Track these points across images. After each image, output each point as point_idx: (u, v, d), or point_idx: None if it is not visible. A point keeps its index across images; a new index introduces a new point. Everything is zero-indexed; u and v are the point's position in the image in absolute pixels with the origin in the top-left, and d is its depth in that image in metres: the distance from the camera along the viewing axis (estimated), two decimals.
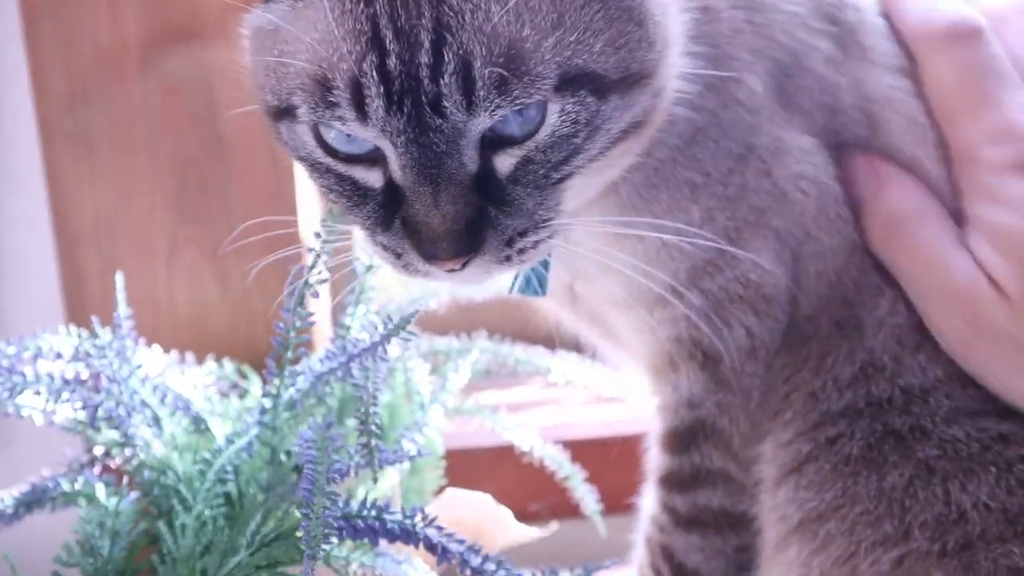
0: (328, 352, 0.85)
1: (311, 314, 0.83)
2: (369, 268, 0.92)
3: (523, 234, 0.65)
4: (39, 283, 1.14)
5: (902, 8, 0.75)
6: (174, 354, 0.98)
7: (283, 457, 0.85)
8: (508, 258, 0.65)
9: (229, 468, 0.82)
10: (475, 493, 1.00)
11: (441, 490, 1.07)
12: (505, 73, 0.58)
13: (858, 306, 0.76)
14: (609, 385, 1.09)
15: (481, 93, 0.59)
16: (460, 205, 0.62)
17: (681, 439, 0.80)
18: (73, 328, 0.89)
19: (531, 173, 0.63)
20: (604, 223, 0.72)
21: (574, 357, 1.12)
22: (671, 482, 0.82)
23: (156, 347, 0.96)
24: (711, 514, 0.81)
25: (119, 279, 0.90)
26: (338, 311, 1.00)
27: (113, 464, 0.91)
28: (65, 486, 0.87)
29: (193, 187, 1.10)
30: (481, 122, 0.61)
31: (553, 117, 0.62)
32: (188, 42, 1.06)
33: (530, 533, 1.02)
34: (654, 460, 0.84)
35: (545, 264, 0.76)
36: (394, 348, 0.97)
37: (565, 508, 1.10)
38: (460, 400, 1.11)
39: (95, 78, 1.06)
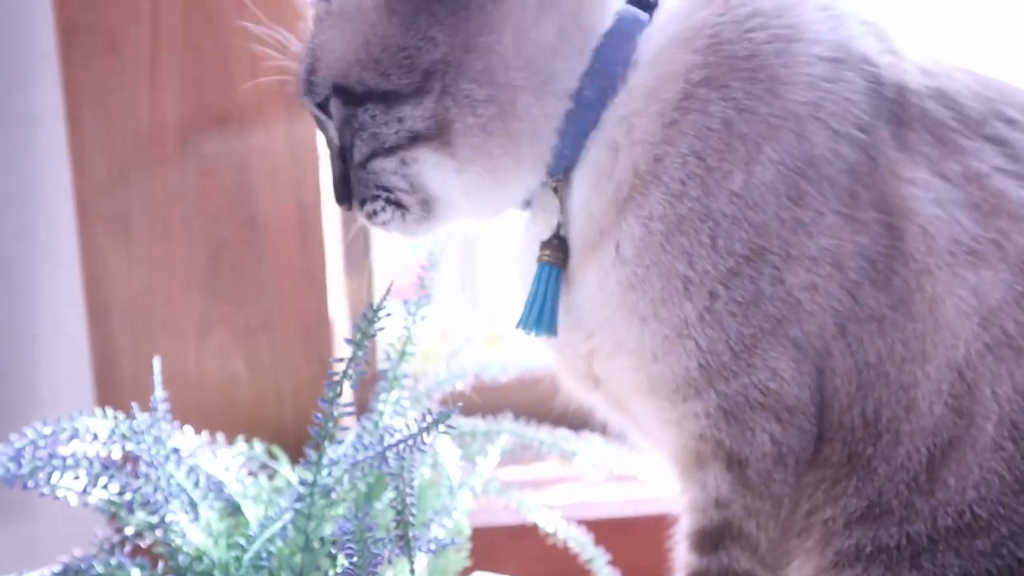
0: (362, 439, 0.86)
1: (350, 404, 0.84)
2: (402, 355, 0.93)
3: (364, 200, 0.83)
4: (71, 360, 1.16)
5: None
6: (205, 435, 0.99)
7: (316, 543, 0.86)
8: (368, 216, 0.83)
9: (264, 554, 0.83)
10: None
11: (465, 572, 1.08)
12: (312, 79, 0.82)
13: (867, 443, 0.75)
14: (633, 466, 1.09)
15: (305, 88, 0.84)
16: (336, 166, 0.84)
17: (709, 539, 0.81)
18: (109, 411, 0.90)
19: (349, 150, 0.82)
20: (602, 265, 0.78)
21: (598, 439, 1.13)
22: None
23: (188, 428, 0.97)
24: None
25: (156, 363, 0.91)
26: (368, 386, 1.03)
27: (144, 544, 0.91)
28: (99, 568, 0.88)
29: (226, 268, 1.12)
30: (309, 103, 0.84)
31: (334, 111, 0.81)
32: (224, 126, 1.09)
33: None
34: (681, 558, 0.84)
35: (553, 299, 0.81)
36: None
37: None
38: (487, 480, 1.12)
39: (134, 160, 1.09)
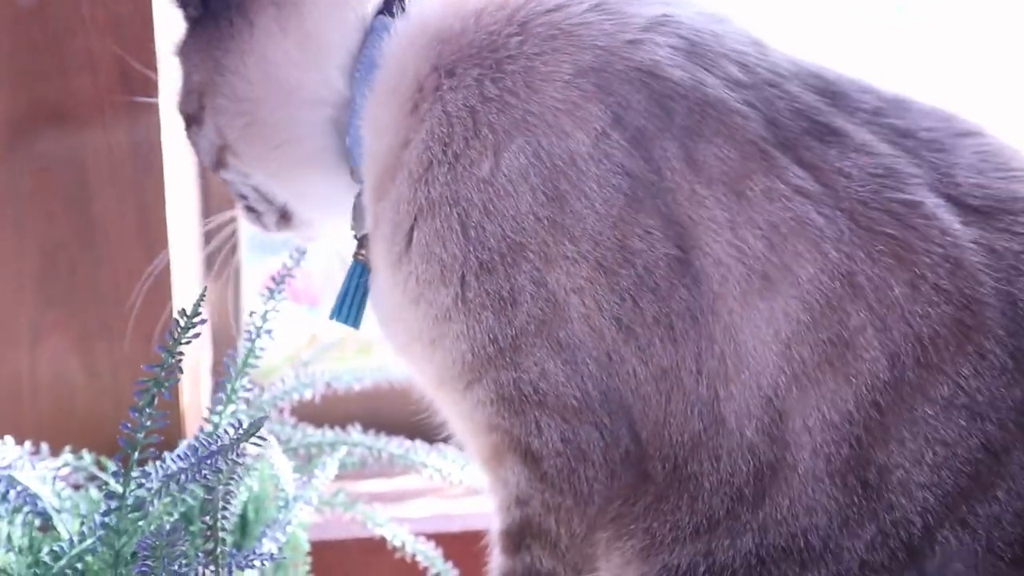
0: (184, 451, 0.82)
1: (164, 414, 0.80)
2: (243, 367, 0.90)
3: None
4: None
5: None
6: (27, 445, 0.95)
7: (130, 559, 0.81)
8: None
9: (69, 572, 0.79)
10: None
11: None
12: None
13: (692, 459, 0.72)
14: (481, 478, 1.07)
15: None
16: None
17: (513, 539, 0.79)
18: None
19: None
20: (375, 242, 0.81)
21: (453, 451, 1.11)
22: None
23: (9, 439, 0.93)
24: None
25: None
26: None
27: None
28: None
29: (61, 271, 1.07)
30: None
31: None
32: (60, 122, 1.04)
33: None
34: (493, 561, 0.83)
35: (361, 295, 0.85)
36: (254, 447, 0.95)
37: None
38: (332, 492, 1.09)
39: None
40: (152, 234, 1.08)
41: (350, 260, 0.88)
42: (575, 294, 0.72)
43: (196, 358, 1.17)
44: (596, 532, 0.76)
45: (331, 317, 0.87)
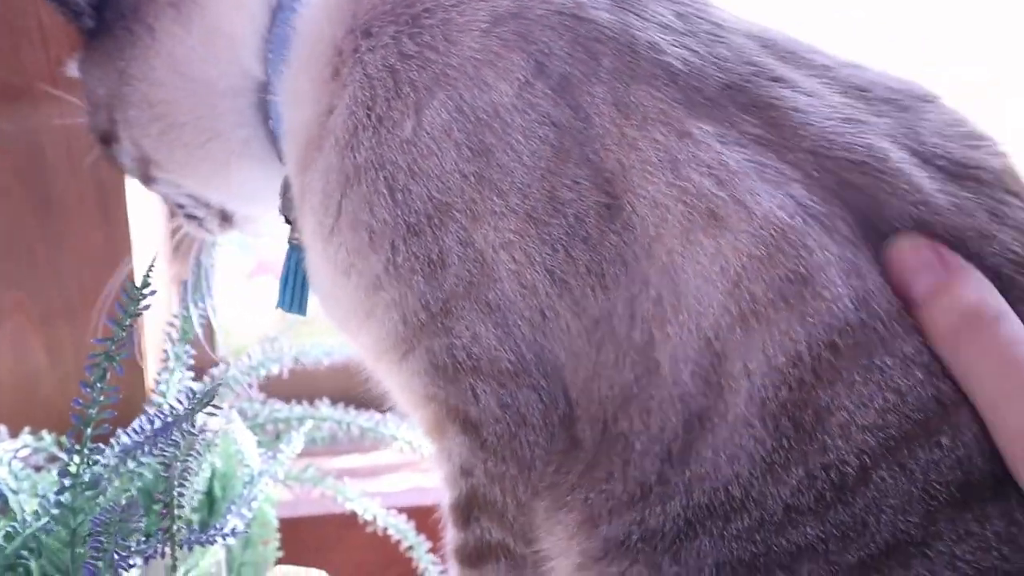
0: (137, 426, 0.81)
1: (116, 389, 0.79)
2: (184, 335, 0.88)
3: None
4: None
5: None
6: None
7: (87, 538, 0.80)
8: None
9: (25, 552, 0.78)
10: (308, 570, 0.96)
11: (279, 563, 1.03)
12: None
13: (622, 416, 0.69)
14: None
15: None
16: None
17: (462, 512, 0.77)
18: None
19: None
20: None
21: None
22: (462, 557, 0.79)
23: None
24: None
25: None
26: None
27: None
28: None
29: (20, 251, 1.05)
30: None
31: None
32: (13, 100, 1.03)
33: None
34: (447, 535, 0.81)
35: (302, 279, 0.83)
36: (217, 419, 0.93)
37: None
38: (301, 468, 1.07)
39: None
40: (112, 212, 1.06)
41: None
42: (503, 250, 0.70)
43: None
44: (536, 500, 0.74)
45: (278, 306, 0.85)
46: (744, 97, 0.69)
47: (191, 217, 0.91)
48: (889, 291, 0.66)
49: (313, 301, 0.86)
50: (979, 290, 0.66)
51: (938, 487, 0.65)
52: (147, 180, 0.88)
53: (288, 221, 0.85)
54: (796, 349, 0.66)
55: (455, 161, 0.70)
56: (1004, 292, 0.66)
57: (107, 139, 0.87)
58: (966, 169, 0.70)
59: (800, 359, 0.66)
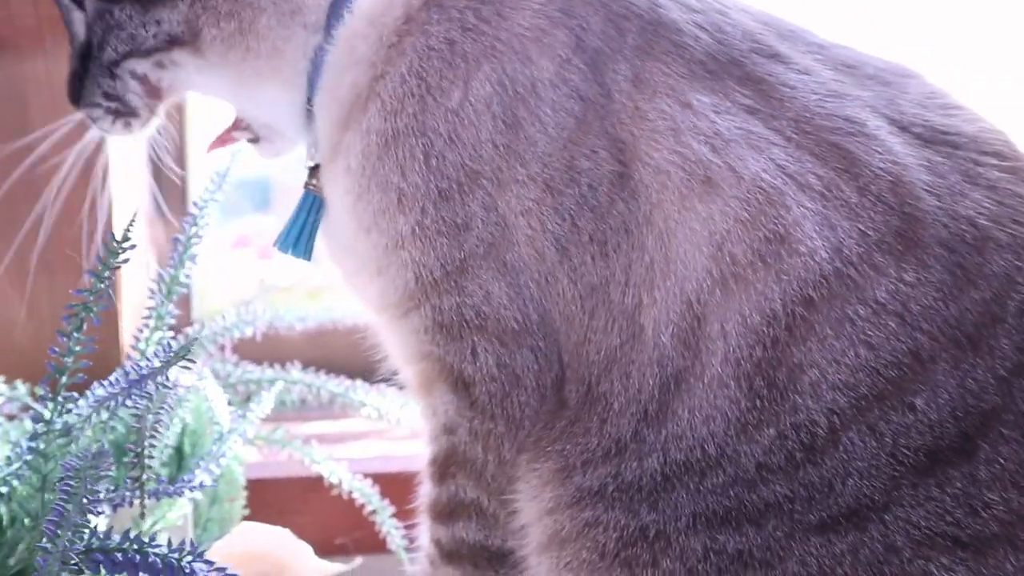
0: (113, 378, 0.82)
1: (93, 339, 0.80)
2: (169, 293, 0.90)
3: (96, 104, 0.84)
4: None
5: None
6: None
7: (57, 484, 0.81)
8: (91, 120, 0.85)
9: None
10: (272, 527, 0.98)
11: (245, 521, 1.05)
12: None
13: (604, 378, 0.74)
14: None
15: None
16: (75, 62, 0.84)
17: (439, 468, 0.80)
18: None
19: (98, 47, 0.82)
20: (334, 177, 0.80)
21: (393, 392, 1.11)
22: (434, 513, 0.82)
23: None
24: (468, 548, 0.80)
25: None
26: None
27: None
28: None
29: (1, 204, 1.06)
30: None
31: (88, 4, 0.82)
32: (0, 52, 1.03)
33: (331, 568, 1.00)
34: (423, 490, 0.84)
35: (312, 225, 0.83)
36: (190, 376, 0.95)
37: (374, 542, 1.08)
38: (270, 430, 1.09)
39: None
40: (93, 166, 1.07)
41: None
42: (523, 216, 0.74)
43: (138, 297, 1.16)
44: (521, 454, 0.77)
45: (277, 245, 0.85)
46: (740, 71, 0.74)
47: (114, 113, 0.84)
48: (859, 236, 0.70)
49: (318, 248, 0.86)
50: None
51: (906, 452, 0.69)
52: (150, 54, 0.81)
53: (314, 168, 0.84)
54: (771, 308, 0.70)
55: (490, 132, 0.74)
56: (978, 243, 0.70)
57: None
58: (942, 135, 0.75)
59: (775, 317, 0.70)
